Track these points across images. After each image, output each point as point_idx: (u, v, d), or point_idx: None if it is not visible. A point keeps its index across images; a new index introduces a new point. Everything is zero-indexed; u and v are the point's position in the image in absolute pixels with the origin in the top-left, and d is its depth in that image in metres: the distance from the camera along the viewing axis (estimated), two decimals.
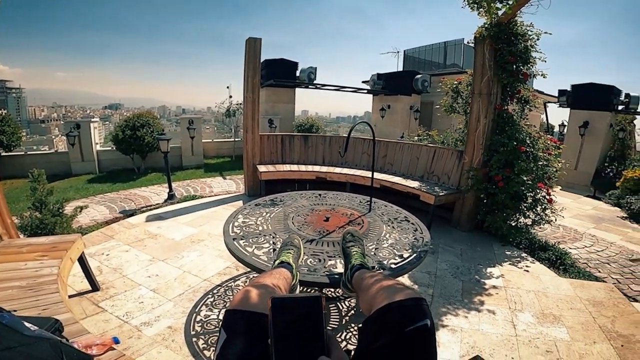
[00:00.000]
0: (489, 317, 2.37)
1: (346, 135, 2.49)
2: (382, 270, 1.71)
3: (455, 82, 4.70)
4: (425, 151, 4.68)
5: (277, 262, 1.36)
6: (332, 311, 2.34)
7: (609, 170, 7.57)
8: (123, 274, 2.74)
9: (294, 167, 5.05)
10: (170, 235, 3.57)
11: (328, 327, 0.53)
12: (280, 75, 9.41)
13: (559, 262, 3.24)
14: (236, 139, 9.13)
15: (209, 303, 2.38)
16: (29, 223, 2.99)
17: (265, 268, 1.64)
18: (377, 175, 4.60)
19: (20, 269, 1.84)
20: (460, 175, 4.04)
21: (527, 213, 3.65)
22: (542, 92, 10.23)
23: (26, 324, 1.06)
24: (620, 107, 7.84)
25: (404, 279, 2.79)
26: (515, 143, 3.45)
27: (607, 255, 3.60)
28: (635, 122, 8.20)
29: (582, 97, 7.86)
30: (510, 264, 3.25)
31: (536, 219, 3.66)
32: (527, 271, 3.11)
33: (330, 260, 1.78)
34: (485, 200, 3.85)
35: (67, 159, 7.25)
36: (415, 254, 1.87)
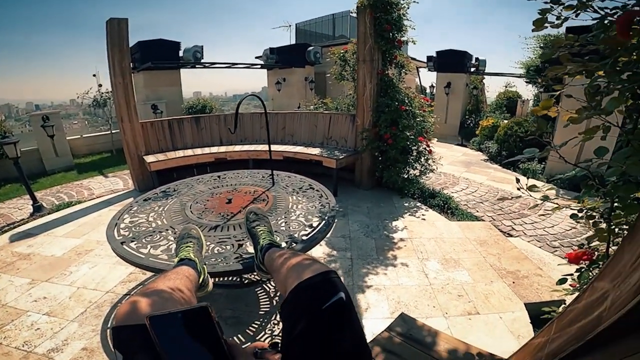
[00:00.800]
0: (404, 271, 2.56)
1: (243, 112, 2.35)
2: (293, 245, 1.70)
3: (342, 51, 4.95)
4: (322, 118, 4.85)
5: (176, 261, 1.22)
6: (259, 294, 2.31)
7: (469, 121, 9.40)
8: (2, 303, 2.26)
9: (188, 152, 4.67)
10: (48, 252, 3.00)
11: (224, 337, 0.48)
12: (159, 57, 8.38)
13: (446, 206, 3.78)
14: (113, 131, 7.91)
15: None
16: None
17: (166, 267, 1.48)
18: (278, 147, 4.64)
19: None
20: (356, 137, 4.34)
21: (415, 165, 4.15)
22: (414, 59, 11.60)
23: None
24: (472, 69, 9.86)
25: (321, 248, 2.90)
26: (397, 103, 3.89)
27: (480, 195, 4.37)
28: (484, 81, 10.51)
29: (445, 61, 9.60)
30: (410, 214, 3.65)
31: (422, 169, 4.21)
32: (424, 219, 3.52)
33: (240, 244, 1.71)
34: (380, 158, 4.25)
35: None
36: (324, 221, 1.91)
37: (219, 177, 2.76)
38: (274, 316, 2.09)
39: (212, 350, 0.47)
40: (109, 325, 2.04)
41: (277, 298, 2.27)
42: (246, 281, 2.34)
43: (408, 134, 3.87)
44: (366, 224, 3.41)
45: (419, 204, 3.95)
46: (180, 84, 9.53)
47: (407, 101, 4.01)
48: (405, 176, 4.18)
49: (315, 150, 4.49)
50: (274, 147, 2.65)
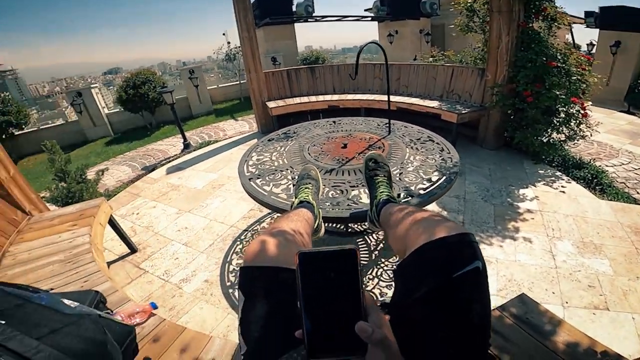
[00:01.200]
0: (525, 246, 2.24)
1: (355, 62, 2.22)
2: (409, 198, 1.56)
3: (470, 1, 4.20)
4: (443, 71, 4.37)
5: (296, 202, 1.22)
6: (360, 246, 2.31)
7: None
8: (155, 231, 2.82)
9: (304, 99, 4.95)
10: (192, 185, 3.60)
11: (364, 285, 0.43)
12: (275, 12, 8.82)
13: (595, 181, 3.03)
14: (241, 82, 8.92)
15: (238, 251, 2.43)
16: (58, 194, 3.06)
17: (284, 206, 1.55)
18: (392, 98, 4.39)
19: (56, 242, 1.86)
20: (484, 92, 3.82)
21: (560, 128, 3.41)
22: (565, 13, 9.24)
23: (65, 301, 1.03)
24: None
25: (431, 207, 2.69)
26: (544, 58, 3.24)
27: None
28: None
29: (613, 18, 7.93)
30: (544, 184, 3.06)
31: (570, 134, 3.42)
32: (563, 192, 2.91)
33: (353, 190, 1.66)
34: (513, 117, 3.66)
35: (79, 128, 7.28)
36: (445, 177, 1.71)
37: (334, 122, 2.76)
38: (370, 270, 2.08)
39: (349, 296, 0.44)
40: (228, 259, 2.34)
41: (376, 252, 2.25)
42: (350, 230, 2.37)
43: (558, 92, 3.18)
44: (486, 187, 3.02)
45: (558, 173, 3.26)
46: (295, 37, 9.91)
47: (559, 57, 3.29)
48: (545, 140, 3.48)
49: (433, 103, 4.13)
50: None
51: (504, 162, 3.54)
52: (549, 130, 3.45)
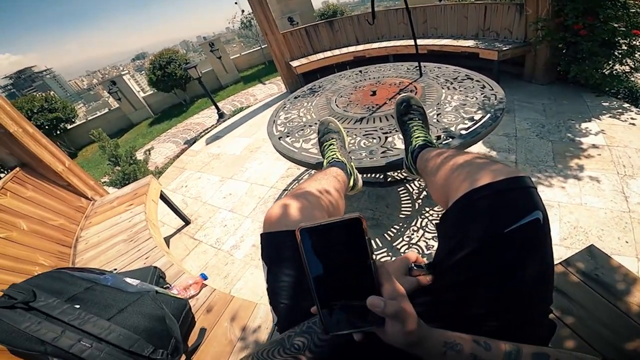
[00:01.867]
0: (592, 187, 1.97)
1: (376, 10, 2.01)
2: (449, 140, 1.43)
3: None
4: (474, 9, 3.91)
5: (325, 163, 1.15)
6: (402, 196, 2.26)
7: None
8: (203, 200, 2.97)
9: (328, 54, 4.81)
10: (231, 151, 3.72)
11: (374, 255, 0.40)
12: None
13: None
14: (263, 46, 8.80)
15: None
16: (115, 178, 3.32)
17: (316, 161, 1.50)
18: (421, 41, 4.12)
19: (118, 223, 2.02)
20: (526, 28, 3.42)
21: (624, 60, 2.95)
22: None
23: (128, 280, 1.12)
24: None
25: (478, 147, 2.53)
26: None
27: None
28: None
29: None
30: (610, 116, 2.69)
31: (636, 65, 2.94)
32: (634, 124, 2.53)
33: (387, 136, 1.58)
34: (565, 50, 3.25)
35: (122, 113, 7.72)
36: (489, 114, 1.55)
37: (360, 71, 2.62)
38: (414, 221, 2.02)
39: (359, 268, 0.42)
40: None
41: (419, 201, 2.17)
42: (389, 179, 2.29)
43: (616, 25, 2.77)
44: (540, 123, 2.76)
45: (626, 105, 2.85)
46: None
47: None
48: (606, 72, 3.06)
49: (468, 42, 3.77)
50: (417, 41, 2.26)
51: (559, 96, 3.18)
52: (610, 62, 3.02)
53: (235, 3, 9.36)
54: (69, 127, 7.71)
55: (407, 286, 0.55)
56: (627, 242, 1.64)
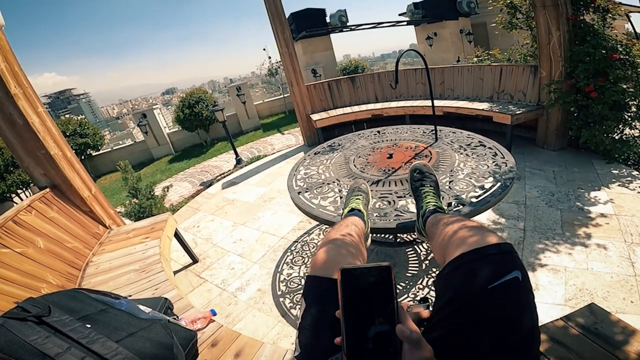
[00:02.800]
0: (599, 254, 2.04)
1: (394, 71, 2.21)
2: (459, 207, 1.51)
3: None
4: (490, 71, 4.14)
5: (346, 211, 1.26)
6: (409, 256, 2.29)
7: None
8: (213, 242, 3.02)
9: (347, 110, 4.99)
10: (245, 198, 3.81)
11: (397, 299, 0.48)
12: (310, 25, 9.20)
13: None
14: (285, 95, 9.24)
15: (289, 261, 2.51)
16: (131, 210, 3.43)
17: (332, 219, 1.59)
18: (438, 102, 4.29)
19: (132, 253, 2.09)
20: (539, 90, 3.56)
21: (634, 123, 3.08)
22: (622, 3, 8.25)
23: (141, 307, 1.17)
24: None
25: (488, 214, 2.58)
26: (604, 51, 2.99)
27: None
28: None
29: None
30: (619, 185, 2.75)
31: None
32: None
33: (400, 200, 1.65)
34: (576, 114, 3.36)
35: (146, 147, 8.08)
36: (499, 183, 1.63)
37: (378, 132, 2.75)
38: (420, 280, 2.04)
39: (385, 307, 0.49)
40: (279, 270, 2.43)
41: (426, 262, 2.20)
42: (399, 240, 2.34)
43: (625, 86, 2.91)
44: (550, 191, 2.79)
45: (635, 172, 2.91)
46: (332, 48, 10.15)
47: (620, 48, 3.00)
48: (617, 137, 3.15)
49: (483, 105, 3.92)
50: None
51: (570, 163, 3.25)
52: (620, 126, 3.13)
53: (264, 49, 10.10)
54: (94, 153, 8.09)
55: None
56: (632, 302, 1.70)
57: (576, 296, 1.78)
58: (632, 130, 3.14)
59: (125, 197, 3.68)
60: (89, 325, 1.00)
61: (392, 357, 0.48)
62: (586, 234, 2.23)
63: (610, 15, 3.26)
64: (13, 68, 2.11)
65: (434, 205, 1.16)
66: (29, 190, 6.24)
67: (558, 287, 1.85)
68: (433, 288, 1.95)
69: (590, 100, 3.08)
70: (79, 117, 8.69)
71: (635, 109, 3.07)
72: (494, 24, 4.46)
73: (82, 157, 7.58)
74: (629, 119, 3.08)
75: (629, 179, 2.82)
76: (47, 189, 2.23)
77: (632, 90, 2.93)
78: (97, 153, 8.22)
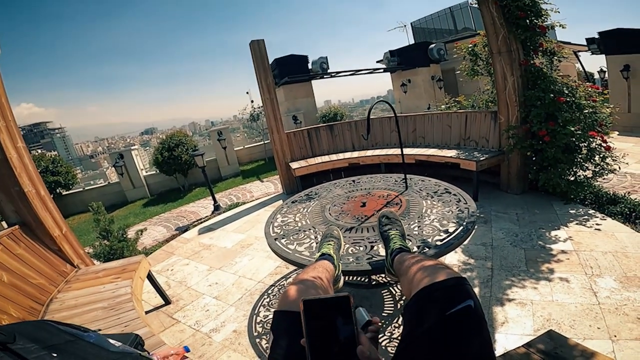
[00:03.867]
0: (562, 286, 2.17)
1: (372, 117, 2.41)
2: (426, 250, 1.65)
3: (471, 45, 4.51)
4: (456, 118, 4.49)
5: (317, 255, 1.37)
6: (384, 296, 2.33)
7: None
8: (187, 285, 2.94)
9: (325, 158, 5.10)
10: (222, 244, 3.77)
11: (356, 326, 0.57)
12: (292, 71, 9.70)
13: (634, 215, 2.91)
14: (265, 142, 9.39)
15: (266, 304, 2.48)
16: (101, 251, 3.29)
17: (308, 263, 1.66)
18: (410, 150, 4.53)
19: (100, 292, 2.03)
20: (500, 136, 3.84)
21: (585, 165, 3.36)
22: (570, 43, 9.47)
23: (111, 340, 1.14)
24: None
25: (457, 255, 2.71)
26: (552, 95, 3.27)
27: None
28: None
29: (615, 43, 7.68)
30: (577, 223, 2.98)
31: (596, 169, 3.36)
32: (599, 230, 2.82)
33: (372, 246, 1.76)
34: (534, 158, 3.63)
35: (120, 189, 7.87)
36: (461, 227, 1.79)
37: (353, 181, 2.90)
38: (395, 319, 2.08)
39: (346, 333, 0.55)
40: (256, 312, 2.40)
41: (401, 302, 2.24)
42: (374, 282, 2.41)
43: (572, 129, 3.17)
44: (514, 232, 2.98)
45: (591, 211, 3.17)
46: (313, 94, 10.63)
47: (566, 91, 3.32)
48: (572, 178, 3.43)
49: (451, 152, 4.18)
50: (405, 151, 2.62)
51: (531, 205, 3.49)
52: (573, 168, 3.38)
53: (247, 92, 10.46)
54: (64, 192, 7.77)
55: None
56: (598, 328, 1.79)
57: (544, 326, 1.86)
58: (586, 172, 3.40)
59: (95, 238, 3.54)
60: (55, 354, 0.97)
61: None
62: (549, 269, 2.38)
63: (556, 57, 3.62)
64: (0, 99, 2.14)
65: (400, 245, 1.29)
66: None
67: (526, 319, 1.94)
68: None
69: (544, 144, 3.31)
70: (52, 153, 8.44)
71: (585, 151, 3.33)
72: (459, 71, 4.86)
73: (52, 196, 7.26)
74: (581, 160, 3.34)
75: (586, 217, 3.07)
76: (16, 226, 2.18)
77: (579, 132, 3.18)
78: (67, 192, 7.92)
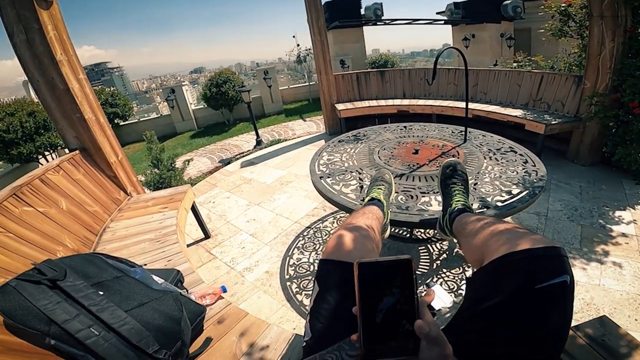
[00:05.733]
0: (614, 271, 2.00)
1: (429, 67, 2.13)
2: (483, 210, 1.47)
3: (564, 4, 3.81)
4: (529, 77, 3.97)
5: (367, 199, 1.24)
6: (422, 254, 2.25)
7: None
8: (227, 219, 3.06)
9: (373, 103, 4.93)
10: (262, 179, 3.84)
11: (417, 291, 0.47)
12: (344, 16, 9.10)
13: None
14: (310, 83, 9.23)
15: (300, 246, 2.52)
16: (152, 179, 3.52)
17: (353, 206, 1.57)
18: (469, 105, 4.15)
19: (148, 222, 2.13)
20: (580, 102, 3.40)
21: None
22: None
23: (154, 277, 1.17)
24: None
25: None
26: None
27: None
28: None
29: None
30: None
31: None
32: None
33: (423, 197, 1.61)
34: (615, 130, 3.21)
35: (170, 121, 8.27)
36: (527, 190, 1.58)
37: (405, 127, 2.70)
38: (429, 279, 2.02)
39: (404, 302, 0.47)
40: (289, 253, 2.43)
41: (438, 262, 2.17)
42: (414, 237, 2.32)
43: None
44: (574, 206, 2.69)
45: None
46: (364, 40, 9.99)
47: None
48: None
49: (516, 112, 3.79)
50: (463, 104, 2.34)
51: (598, 180, 3.12)
52: None
53: (293, 37, 10.03)
54: (121, 123, 8.35)
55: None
56: (636, 319, 1.70)
57: (582, 309, 1.78)
58: None
59: (147, 166, 3.77)
60: (101, 292, 1.00)
61: (411, 353, 0.46)
62: (604, 251, 2.18)
63: None
64: (62, 36, 2.19)
65: (463, 204, 1.13)
66: (56, 153, 6.50)
67: None
68: (445, 289, 1.93)
69: (633, 117, 2.92)
70: (111, 88, 8.96)
71: None
72: (542, 30, 4.28)
73: (111, 126, 7.85)
74: None
75: None
76: (77, 151, 2.31)
77: None
78: (124, 123, 8.47)
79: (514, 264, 0.61)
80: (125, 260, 1.27)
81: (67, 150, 2.40)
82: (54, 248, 1.67)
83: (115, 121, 8.14)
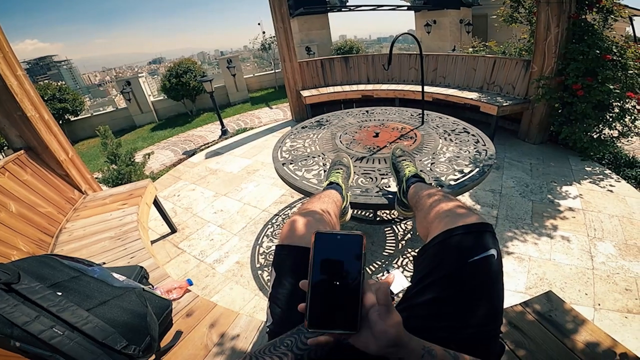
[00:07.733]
0: (562, 245, 2.15)
1: (388, 53, 2.18)
2: (439, 188, 1.57)
3: None
4: (483, 62, 4.17)
5: (325, 184, 1.28)
6: (387, 235, 2.33)
7: None
8: (194, 212, 3.00)
9: (338, 88, 4.95)
10: (229, 169, 3.77)
11: (366, 267, 0.52)
12: (309, 2, 8.91)
13: None
14: (276, 71, 9.08)
15: (269, 234, 2.53)
16: (109, 176, 3.33)
17: (315, 191, 1.58)
18: (429, 88, 4.32)
19: (108, 220, 2.04)
20: (528, 84, 3.63)
21: (613, 124, 3.17)
22: (628, 6, 8.34)
23: (115, 275, 1.15)
24: None
25: (463, 199, 2.66)
26: (598, 52, 3.05)
27: None
28: None
29: None
30: (590, 182, 2.87)
31: (624, 130, 3.19)
32: (611, 191, 2.71)
33: (383, 178, 1.67)
34: (560, 110, 3.47)
35: (128, 114, 7.82)
36: (477, 169, 1.68)
37: (367, 111, 2.74)
38: (395, 260, 2.09)
39: (352, 276, 0.50)
40: (259, 242, 2.44)
41: (403, 242, 2.25)
42: (378, 219, 2.39)
43: (611, 87, 2.98)
44: (525, 183, 2.89)
45: (607, 171, 3.05)
46: (329, 27, 9.92)
47: (615, 50, 3.06)
48: (595, 136, 3.27)
49: (472, 94, 3.98)
50: (424, 89, 2.42)
51: (547, 157, 3.36)
52: (600, 125, 3.23)
53: (258, 24, 9.79)
54: (72, 119, 7.78)
55: None
56: (586, 294, 1.81)
57: (536, 285, 1.88)
58: (612, 131, 3.24)
59: (104, 163, 3.57)
60: (59, 293, 0.98)
61: (352, 324, 0.48)
62: (553, 225, 2.34)
63: (612, 17, 3.31)
64: None
65: (414, 171, 1.21)
66: (2, 153, 5.99)
67: (521, 275, 1.96)
68: (408, 269, 2.03)
69: (576, 98, 3.16)
70: (58, 83, 8.27)
71: (617, 110, 3.16)
72: (495, 16, 4.46)
73: (60, 122, 7.26)
74: (610, 119, 3.18)
75: (601, 176, 2.95)
76: (22, 151, 2.14)
77: (617, 91, 3.00)
78: (75, 118, 7.90)
79: (450, 240, 0.67)
80: (82, 260, 1.23)
81: (12, 151, 2.23)
82: (8, 252, 1.57)
83: (66, 117, 7.57)
